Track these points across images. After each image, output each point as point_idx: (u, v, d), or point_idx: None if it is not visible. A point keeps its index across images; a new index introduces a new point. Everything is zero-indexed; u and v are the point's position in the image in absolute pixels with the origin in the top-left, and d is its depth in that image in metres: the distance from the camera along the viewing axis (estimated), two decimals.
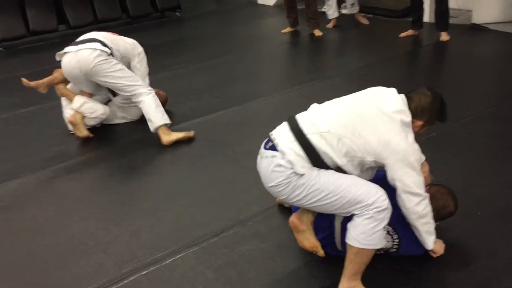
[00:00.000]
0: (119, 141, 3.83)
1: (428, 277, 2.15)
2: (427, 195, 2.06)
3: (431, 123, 2.17)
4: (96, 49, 3.58)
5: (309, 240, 2.18)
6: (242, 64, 5.54)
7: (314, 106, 2.17)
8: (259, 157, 2.12)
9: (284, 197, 2.06)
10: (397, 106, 2.03)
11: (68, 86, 3.87)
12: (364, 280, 2.06)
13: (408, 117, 2.03)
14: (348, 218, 2.04)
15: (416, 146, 2.03)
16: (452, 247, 2.30)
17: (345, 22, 6.73)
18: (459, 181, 2.84)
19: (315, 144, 1.98)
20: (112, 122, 4.04)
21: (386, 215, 1.96)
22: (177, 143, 3.60)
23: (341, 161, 1.98)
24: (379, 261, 2.15)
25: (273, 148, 2.04)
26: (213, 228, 2.59)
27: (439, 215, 2.22)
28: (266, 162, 2.05)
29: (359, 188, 1.97)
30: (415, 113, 2.07)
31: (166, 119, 3.65)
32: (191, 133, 3.66)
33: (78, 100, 3.76)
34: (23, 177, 3.35)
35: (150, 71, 4.15)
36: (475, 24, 6.02)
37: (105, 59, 3.58)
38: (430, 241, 2.13)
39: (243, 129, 3.83)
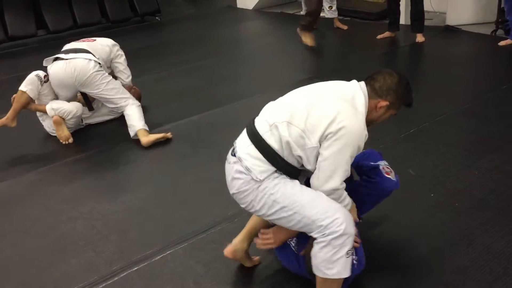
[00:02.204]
0: (103, 142, 3.84)
1: (406, 265, 2.24)
2: (343, 186, 1.90)
3: (397, 106, 2.01)
4: (91, 59, 3.74)
5: (247, 264, 2.29)
6: (223, 67, 5.61)
7: (270, 104, 2.06)
8: (226, 162, 2.05)
9: (244, 206, 1.98)
10: (353, 90, 1.94)
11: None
12: None
13: (363, 103, 1.91)
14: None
15: (366, 133, 1.88)
16: (430, 237, 2.41)
17: (323, 25, 6.86)
18: (437, 174, 2.96)
19: (269, 142, 1.88)
20: (98, 121, 4.11)
21: (346, 241, 1.79)
22: (163, 145, 3.67)
23: (296, 152, 1.86)
24: None
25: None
26: (201, 224, 2.65)
27: None
28: (228, 168, 2.00)
29: (315, 206, 1.83)
30: (380, 92, 1.95)
31: (145, 126, 3.77)
32: (168, 134, 3.73)
33: (51, 110, 3.80)
34: (8, 180, 3.36)
35: (133, 74, 4.25)
36: (449, 26, 6.21)
37: (99, 70, 3.76)
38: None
39: (227, 130, 3.88)
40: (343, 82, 2.02)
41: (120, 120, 4.19)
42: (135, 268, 2.35)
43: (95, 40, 4.06)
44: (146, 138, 3.66)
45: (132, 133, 3.75)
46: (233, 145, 2.03)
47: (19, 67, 6.13)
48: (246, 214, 2.66)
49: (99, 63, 3.79)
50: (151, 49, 6.46)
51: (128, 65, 4.25)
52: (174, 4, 9.21)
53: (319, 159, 1.85)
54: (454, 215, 2.56)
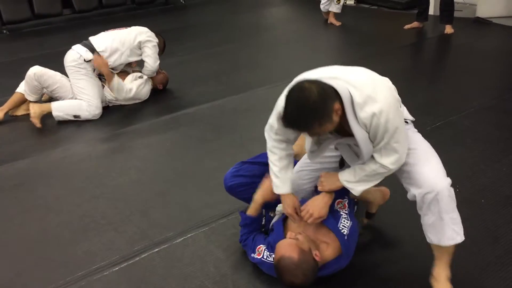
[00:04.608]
0: (128, 124, 3.87)
1: (429, 260, 2.20)
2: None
3: None
4: (78, 53, 3.88)
5: None
6: (247, 52, 5.57)
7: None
8: None
9: None
10: None
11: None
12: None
13: None
14: None
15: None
16: None
17: (349, 13, 6.77)
18: (463, 169, 2.90)
19: None
20: (122, 103, 4.13)
21: None
22: (186, 128, 3.70)
23: None
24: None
25: None
26: (222, 209, 2.64)
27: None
28: None
29: None
30: None
31: (58, 112, 3.86)
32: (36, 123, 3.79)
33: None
34: (33, 156, 3.40)
35: None
36: (479, 18, 6.06)
37: (75, 66, 3.88)
38: None
39: (249, 115, 3.87)
40: None
41: (144, 103, 4.20)
42: (156, 250, 2.36)
43: (128, 28, 4.16)
44: (35, 109, 3.78)
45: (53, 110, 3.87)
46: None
47: (44, 45, 6.20)
48: None
49: (86, 59, 3.87)
50: (175, 32, 6.44)
51: None
52: None
53: None
54: (479, 211, 2.51)
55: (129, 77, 4.15)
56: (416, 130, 2.06)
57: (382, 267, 2.18)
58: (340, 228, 2.05)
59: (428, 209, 1.87)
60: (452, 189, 1.86)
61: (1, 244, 2.52)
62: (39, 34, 6.93)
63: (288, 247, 1.92)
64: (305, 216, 2.00)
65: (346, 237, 2.04)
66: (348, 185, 1.94)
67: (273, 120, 1.95)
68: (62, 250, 2.43)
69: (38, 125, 3.77)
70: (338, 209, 2.12)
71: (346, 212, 2.11)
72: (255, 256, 2.15)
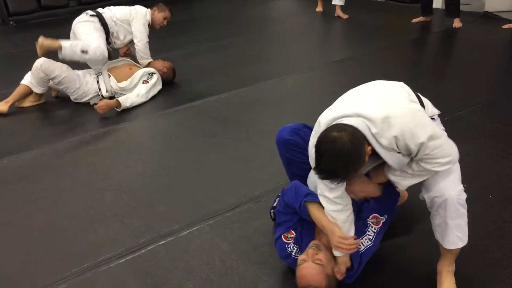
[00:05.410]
0: (134, 116, 3.87)
1: (436, 257, 2.19)
2: None
3: None
4: (87, 13, 4.16)
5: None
6: (254, 46, 5.55)
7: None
8: None
9: None
10: None
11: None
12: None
13: None
14: None
15: None
16: None
17: (357, 6, 6.72)
18: (470, 164, 2.87)
19: None
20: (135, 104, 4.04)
21: None
22: (191, 121, 3.69)
23: None
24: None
25: None
26: (228, 203, 2.64)
27: None
28: None
29: None
30: None
31: (66, 43, 3.98)
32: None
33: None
34: (39, 148, 3.40)
35: (162, 49, 4.26)
36: (488, 12, 6.01)
37: (84, 21, 4.09)
38: None
39: (256, 109, 3.86)
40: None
41: (152, 98, 4.18)
42: (162, 242, 2.36)
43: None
44: (49, 42, 3.96)
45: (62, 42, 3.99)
46: None
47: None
48: (273, 195, 2.64)
49: (89, 14, 4.12)
50: (182, 25, 6.43)
51: (158, 39, 4.39)
52: None
53: None
54: (487, 207, 2.49)
55: (139, 73, 4.12)
56: (443, 127, 2.01)
57: (395, 254, 2.18)
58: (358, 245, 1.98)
59: (436, 211, 1.87)
60: (463, 196, 1.83)
61: (7, 235, 2.53)
62: (45, 25, 6.93)
63: (316, 276, 1.86)
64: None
65: (359, 253, 1.98)
66: (393, 179, 1.89)
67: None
68: (68, 242, 2.43)
69: (40, 54, 3.90)
70: (370, 223, 2.04)
71: (375, 231, 2.03)
72: (282, 236, 2.08)
